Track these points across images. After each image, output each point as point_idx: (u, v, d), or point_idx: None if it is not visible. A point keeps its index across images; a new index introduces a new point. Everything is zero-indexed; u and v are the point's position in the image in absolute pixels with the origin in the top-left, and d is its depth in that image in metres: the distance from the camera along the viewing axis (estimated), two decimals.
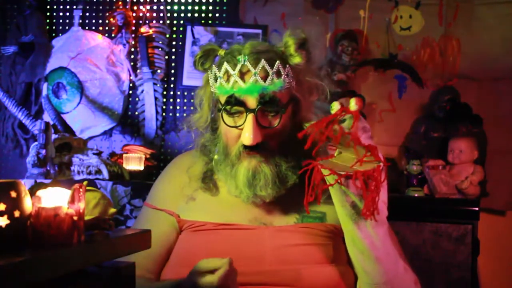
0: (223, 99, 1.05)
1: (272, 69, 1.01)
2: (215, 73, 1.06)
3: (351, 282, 1.04)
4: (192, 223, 1.11)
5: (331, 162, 0.86)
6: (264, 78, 1.01)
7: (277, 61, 1.02)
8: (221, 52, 1.10)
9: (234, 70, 1.02)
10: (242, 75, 1.02)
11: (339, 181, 0.83)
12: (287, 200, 1.09)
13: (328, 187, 0.86)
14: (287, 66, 1.04)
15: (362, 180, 0.82)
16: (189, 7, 2.65)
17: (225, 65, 1.03)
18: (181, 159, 1.24)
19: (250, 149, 1.03)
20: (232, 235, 1.07)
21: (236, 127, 1.05)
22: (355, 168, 0.83)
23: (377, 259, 0.93)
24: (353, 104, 0.84)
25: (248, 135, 1.00)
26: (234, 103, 1.02)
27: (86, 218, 0.73)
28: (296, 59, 1.05)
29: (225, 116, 1.06)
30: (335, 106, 0.85)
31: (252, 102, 1.01)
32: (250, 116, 1.01)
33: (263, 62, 1.01)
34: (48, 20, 2.74)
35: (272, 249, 1.04)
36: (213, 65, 1.08)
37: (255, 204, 1.10)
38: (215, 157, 1.13)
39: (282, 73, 1.02)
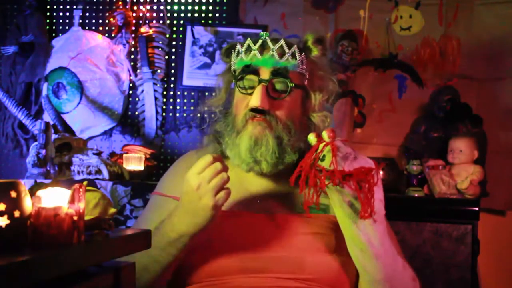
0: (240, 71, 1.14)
1: (289, 50, 1.11)
2: (238, 50, 1.15)
3: (352, 272, 1.06)
4: None
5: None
6: (280, 55, 1.11)
7: (295, 45, 1.12)
8: (249, 41, 1.18)
9: (255, 45, 1.12)
10: (261, 49, 1.11)
11: (332, 182, 0.87)
12: (291, 191, 1.13)
13: (325, 190, 0.90)
14: (303, 54, 1.13)
15: (355, 181, 0.87)
16: (189, 7, 2.65)
17: (248, 41, 1.13)
18: (188, 154, 1.29)
19: (256, 112, 1.09)
20: (237, 222, 1.10)
21: (247, 94, 1.12)
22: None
23: (376, 256, 0.96)
24: (325, 136, 0.90)
25: (255, 98, 1.08)
26: (249, 71, 1.11)
27: (86, 218, 0.73)
28: (313, 52, 1.16)
29: (238, 87, 1.14)
30: (312, 139, 0.92)
31: (265, 73, 1.11)
32: (261, 85, 1.09)
33: (282, 41, 1.11)
34: (48, 20, 2.74)
35: (276, 237, 1.07)
36: (238, 43, 1.16)
37: (261, 193, 1.14)
38: (226, 139, 1.16)
39: (298, 57, 1.12)
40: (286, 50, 1.11)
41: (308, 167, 0.89)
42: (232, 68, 1.17)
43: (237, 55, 1.15)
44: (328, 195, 0.93)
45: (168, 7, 2.65)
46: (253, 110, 1.08)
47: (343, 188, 0.88)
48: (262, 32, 1.14)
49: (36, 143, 2.01)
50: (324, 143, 0.89)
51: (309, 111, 1.16)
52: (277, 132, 1.09)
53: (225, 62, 1.24)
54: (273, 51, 1.10)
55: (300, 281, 1.04)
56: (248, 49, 1.12)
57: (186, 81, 2.59)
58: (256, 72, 1.10)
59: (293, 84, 1.11)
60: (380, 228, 0.94)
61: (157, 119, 2.61)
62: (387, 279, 0.99)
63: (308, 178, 0.89)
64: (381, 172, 0.95)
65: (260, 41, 1.12)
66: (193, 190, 0.96)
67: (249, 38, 1.14)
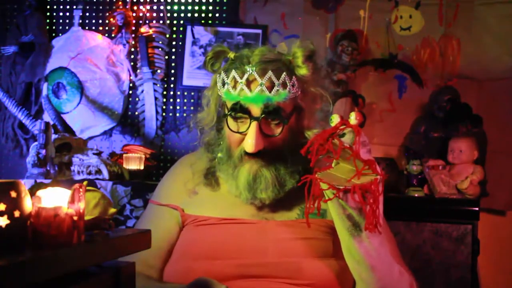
0: (229, 104, 1.08)
1: (278, 80, 1.04)
2: (223, 79, 1.08)
3: (349, 277, 1.06)
4: (195, 218, 1.14)
5: (329, 174, 0.87)
6: (270, 88, 1.04)
7: (284, 73, 1.05)
8: (231, 55, 1.13)
9: (241, 78, 1.05)
10: (248, 83, 1.05)
11: (337, 194, 0.84)
12: (288, 196, 1.12)
13: (325, 197, 0.88)
14: (294, 77, 1.07)
15: (360, 194, 0.83)
16: (189, 7, 2.65)
17: (233, 73, 1.06)
18: (186, 158, 1.29)
19: (251, 155, 1.06)
20: (235, 229, 1.10)
21: (239, 132, 1.08)
22: (353, 182, 0.83)
23: (372, 267, 0.95)
24: (353, 118, 0.86)
25: (250, 142, 1.03)
26: (239, 110, 1.05)
27: (86, 218, 0.73)
28: (303, 71, 1.09)
29: (229, 120, 1.09)
30: (335, 119, 0.87)
31: (256, 110, 1.05)
32: (254, 124, 1.04)
33: (270, 73, 1.04)
34: (48, 20, 2.74)
35: (273, 243, 1.07)
36: (221, 70, 1.10)
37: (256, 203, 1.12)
38: (219, 154, 1.16)
39: (288, 84, 1.06)
40: (275, 81, 1.04)
41: (324, 139, 0.85)
42: (219, 94, 1.12)
43: (223, 85, 1.09)
44: (329, 206, 0.92)
45: (168, 7, 2.65)
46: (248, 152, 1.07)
47: (346, 202, 0.86)
48: (247, 66, 1.05)
49: (36, 143, 2.01)
50: (344, 126, 0.85)
51: (304, 129, 1.14)
52: (274, 166, 1.08)
53: (210, 72, 1.18)
54: (261, 85, 1.03)
55: (297, 286, 1.04)
56: (233, 80, 1.06)
57: (186, 81, 2.59)
58: (246, 110, 1.05)
59: (286, 121, 1.07)
60: (377, 240, 0.93)
61: (157, 119, 2.60)
62: None
63: (312, 185, 0.86)
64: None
65: (246, 75, 1.05)
66: None
67: (233, 69, 1.06)
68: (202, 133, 1.23)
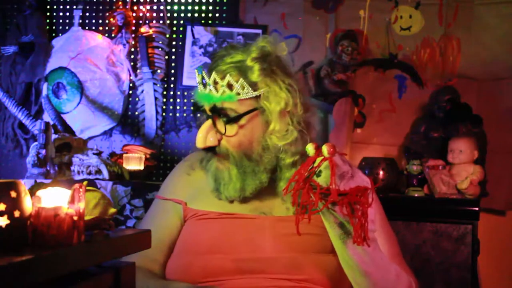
0: None
1: (222, 81, 1.07)
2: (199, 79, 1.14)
3: None
4: (196, 212, 1.15)
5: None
6: (217, 89, 1.08)
7: (228, 75, 1.06)
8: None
9: (198, 78, 1.12)
10: (204, 83, 1.11)
11: (324, 202, 0.84)
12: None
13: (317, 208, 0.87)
14: (241, 79, 1.06)
15: (348, 206, 0.84)
16: (189, 7, 2.65)
17: (196, 72, 1.13)
18: (192, 155, 1.31)
19: (208, 151, 1.11)
20: (234, 224, 1.11)
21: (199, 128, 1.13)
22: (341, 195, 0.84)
23: (366, 273, 0.96)
24: (325, 151, 0.85)
25: (197, 137, 1.10)
26: (198, 107, 1.13)
27: (86, 218, 0.73)
28: (252, 76, 1.07)
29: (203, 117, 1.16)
30: (310, 150, 0.87)
31: (208, 108, 1.11)
32: (205, 123, 1.10)
33: (214, 75, 1.07)
34: (48, 20, 2.74)
35: (271, 238, 1.08)
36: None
37: (255, 194, 1.13)
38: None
39: (234, 85, 1.06)
40: (219, 82, 1.07)
41: (303, 181, 0.85)
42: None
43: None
44: (321, 213, 0.91)
45: (168, 7, 2.65)
46: (204, 149, 1.11)
47: (335, 211, 0.86)
48: (198, 67, 1.13)
49: (36, 143, 2.01)
50: (322, 157, 0.85)
51: (280, 131, 1.09)
52: (234, 162, 1.09)
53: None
54: (209, 85, 1.08)
55: (295, 282, 1.05)
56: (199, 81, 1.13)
57: (186, 81, 2.59)
58: (201, 108, 1.13)
59: (234, 119, 1.07)
60: (371, 246, 0.92)
61: (157, 119, 2.61)
62: None
63: (301, 194, 0.86)
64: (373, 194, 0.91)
65: (199, 77, 1.11)
66: None
67: (197, 69, 1.13)
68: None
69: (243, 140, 1.09)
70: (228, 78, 1.06)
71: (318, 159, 0.85)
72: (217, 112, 1.09)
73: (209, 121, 1.09)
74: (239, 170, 1.09)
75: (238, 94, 1.07)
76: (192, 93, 1.15)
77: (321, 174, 0.84)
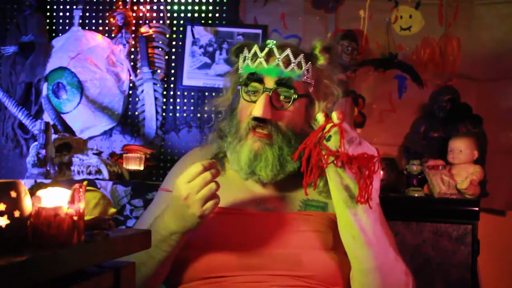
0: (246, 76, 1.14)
1: (295, 60, 1.10)
2: (245, 55, 1.15)
3: (349, 270, 1.07)
4: None
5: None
6: (286, 65, 1.11)
7: (301, 55, 1.12)
8: (256, 47, 1.18)
9: (261, 52, 1.12)
10: (267, 58, 1.12)
11: (335, 162, 0.88)
12: (291, 189, 1.16)
13: (325, 170, 0.91)
14: (310, 63, 1.13)
15: (356, 166, 0.88)
16: (189, 7, 2.65)
17: (255, 48, 1.13)
18: (195, 149, 1.32)
19: (259, 122, 1.10)
20: (238, 219, 1.12)
21: (251, 101, 1.13)
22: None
23: (367, 243, 0.97)
24: (335, 117, 0.89)
25: (258, 106, 1.08)
26: (254, 79, 1.12)
27: (86, 218, 0.73)
28: (320, 60, 1.15)
29: (243, 92, 1.15)
30: (320, 118, 0.91)
31: (270, 82, 1.11)
32: (265, 94, 1.09)
33: (288, 51, 1.11)
34: (48, 20, 2.74)
35: (274, 234, 1.09)
36: (245, 48, 1.16)
37: (260, 190, 1.15)
38: (229, 139, 1.18)
39: (303, 66, 1.12)
40: (292, 59, 1.10)
41: (313, 145, 0.89)
42: (239, 71, 1.18)
43: (244, 61, 1.15)
44: (327, 176, 0.94)
45: (168, 7, 2.65)
46: (255, 119, 1.10)
47: (344, 171, 0.89)
48: (269, 40, 1.13)
49: (36, 143, 2.01)
50: (331, 123, 0.89)
51: (311, 119, 1.16)
52: (278, 143, 1.10)
53: (233, 61, 1.24)
54: (278, 60, 1.10)
55: (297, 278, 1.05)
56: (255, 56, 1.13)
57: (186, 81, 2.59)
58: (260, 80, 1.11)
59: (296, 95, 1.11)
60: (373, 216, 0.95)
61: (157, 119, 2.61)
62: (378, 269, 1.00)
63: (310, 156, 0.89)
64: (381, 172, 0.94)
65: (266, 49, 1.12)
66: (182, 198, 0.97)
67: (256, 45, 1.14)
68: (217, 118, 1.27)
69: (292, 122, 1.12)
70: (300, 57, 1.11)
71: (328, 125, 0.89)
72: (285, 85, 1.10)
73: (267, 94, 1.09)
74: (280, 152, 1.10)
75: (303, 74, 1.12)
76: (242, 70, 1.16)
77: (331, 139, 0.89)
